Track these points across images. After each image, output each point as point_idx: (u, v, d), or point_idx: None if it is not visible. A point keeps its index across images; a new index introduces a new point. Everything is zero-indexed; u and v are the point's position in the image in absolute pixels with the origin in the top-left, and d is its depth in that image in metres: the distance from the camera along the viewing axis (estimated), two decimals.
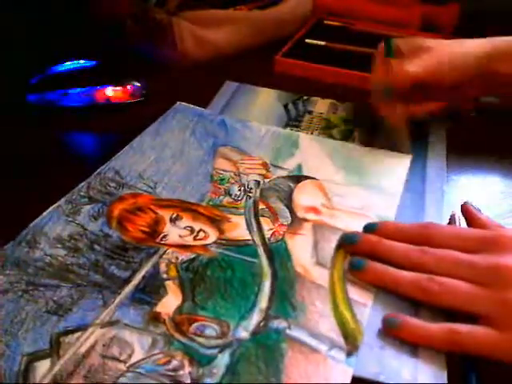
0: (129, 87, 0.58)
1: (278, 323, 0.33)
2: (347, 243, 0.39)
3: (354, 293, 0.35)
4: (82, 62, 0.59)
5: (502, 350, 0.31)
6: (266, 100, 0.59)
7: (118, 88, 0.57)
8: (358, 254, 0.38)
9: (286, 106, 0.57)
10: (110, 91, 0.57)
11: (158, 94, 0.59)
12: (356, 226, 0.41)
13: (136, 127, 0.53)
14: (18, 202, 0.44)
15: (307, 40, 0.71)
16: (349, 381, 0.30)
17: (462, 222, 0.41)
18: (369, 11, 0.77)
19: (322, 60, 0.65)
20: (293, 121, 0.55)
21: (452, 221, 0.41)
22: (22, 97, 0.56)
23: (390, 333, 0.33)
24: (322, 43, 0.70)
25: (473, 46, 0.48)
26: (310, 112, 0.56)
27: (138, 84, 0.58)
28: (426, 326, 0.33)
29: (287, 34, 0.71)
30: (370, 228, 0.39)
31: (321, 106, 0.58)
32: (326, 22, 0.77)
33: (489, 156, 0.51)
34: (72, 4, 0.61)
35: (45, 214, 0.41)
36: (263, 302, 0.35)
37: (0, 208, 0.43)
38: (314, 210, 0.43)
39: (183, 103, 0.56)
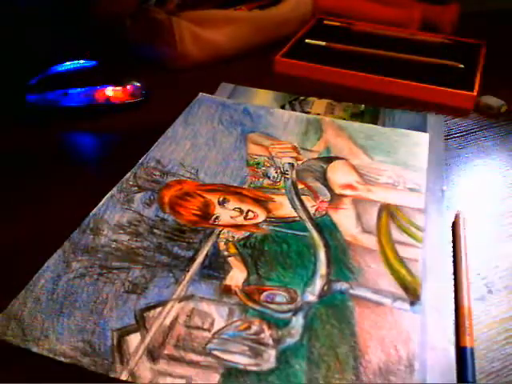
0: (129, 87, 0.59)
1: (341, 285, 0.36)
2: None
3: (404, 252, 0.39)
4: (82, 62, 0.59)
5: None
6: (262, 101, 0.60)
7: (117, 88, 0.58)
8: None
9: (282, 107, 0.58)
10: (109, 91, 0.58)
11: (158, 93, 0.60)
12: (393, 198, 0.44)
13: (136, 127, 0.55)
14: (17, 202, 0.46)
15: (307, 40, 0.72)
16: (418, 326, 0.33)
17: (466, 222, 0.43)
18: (369, 11, 0.79)
19: (322, 60, 0.66)
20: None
21: (457, 219, 0.43)
22: (21, 97, 0.57)
23: None
24: (322, 43, 0.71)
25: None
26: (308, 113, 0.58)
27: (138, 84, 0.60)
28: None
29: (287, 34, 0.72)
30: None
31: (318, 106, 0.59)
32: (325, 22, 0.78)
33: (489, 155, 0.52)
34: (72, 4, 0.62)
35: (101, 203, 0.43)
36: (322, 268, 0.38)
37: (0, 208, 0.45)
38: (350, 186, 0.46)
39: (205, 94, 0.59)
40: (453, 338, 0.34)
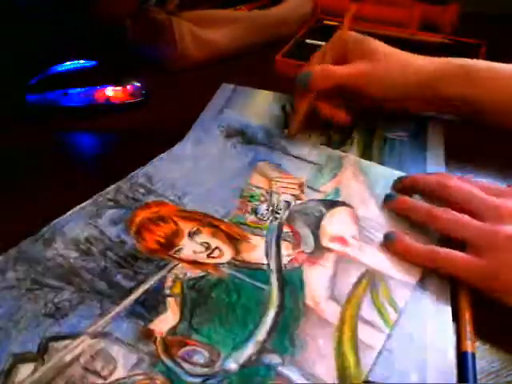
0: (129, 87, 0.58)
1: (271, 358, 0.31)
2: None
3: (365, 333, 0.32)
4: (81, 62, 0.59)
5: (470, 272, 0.35)
6: (263, 101, 0.57)
7: (117, 88, 0.57)
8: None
9: (283, 108, 0.56)
10: (109, 91, 0.57)
11: (158, 93, 0.59)
12: (384, 265, 0.37)
13: (136, 127, 0.54)
14: (17, 202, 0.45)
15: (307, 40, 0.70)
16: None
17: None
18: (369, 11, 0.76)
19: None
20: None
21: None
22: (21, 97, 0.57)
23: (387, 246, 0.39)
24: (322, 43, 0.66)
25: (416, 65, 0.49)
26: None
27: (138, 84, 0.58)
28: (415, 244, 0.38)
29: (287, 34, 0.70)
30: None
31: None
32: (325, 22, 0.76)
33: (488, 157, 0.50)
34: (72, 4, 0.62)
35: (68, 213, 0.41)
36: (262, 333, 0.32)
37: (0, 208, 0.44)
38: (342, 240, 0.40)
39: (229, 110, 0.55)
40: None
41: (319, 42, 0.68)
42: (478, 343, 0.33)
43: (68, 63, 0.59)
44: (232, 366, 0.30)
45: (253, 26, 0.68)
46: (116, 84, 0.58)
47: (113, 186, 0.44)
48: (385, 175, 0.46)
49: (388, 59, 0.50)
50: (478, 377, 0.31)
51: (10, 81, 0.58)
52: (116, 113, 0.57)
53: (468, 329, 0.33)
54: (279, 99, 0.57)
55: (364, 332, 0.32)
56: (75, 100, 0.56)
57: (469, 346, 0.32)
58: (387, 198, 0.43)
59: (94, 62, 0.59)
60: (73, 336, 0.32)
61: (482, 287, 0.35)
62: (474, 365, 0.31)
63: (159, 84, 0.61)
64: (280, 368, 0.30)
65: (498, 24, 0.73)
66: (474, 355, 0.32)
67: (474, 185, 0.41)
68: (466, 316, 0.34)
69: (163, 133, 0.53)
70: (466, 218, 0.38)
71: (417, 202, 0.42)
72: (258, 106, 0.56)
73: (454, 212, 0.38)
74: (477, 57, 0.65)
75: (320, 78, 0.49)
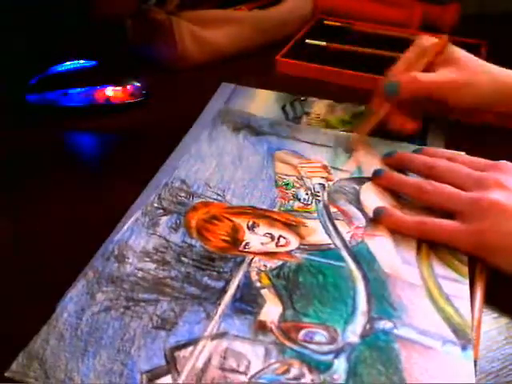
0: (129, 87, 0.58)
1: (384, 324, 0.34)
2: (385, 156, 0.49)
3: (449, 287, 0.36)
4: (81, 62, 0.58)
5: (457, 238, 0.38)
6: (263, 101, 0.58)
7: (117, 88, 0.57)
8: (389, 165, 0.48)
9: (283, 108, 0.57)
10: (109, 91, 0.57)
11: (158, 94, 0.59)
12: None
13: (136, 127, 0.55)
14: (17, 202, 0.45)
15: (307, 40, 0.71)
16: (473, 375, 0.31)
17: None
18: (369, 11, 0.78)
19: (322, 60, 0.65)
20: (291, 122, 0.55)
21: None
22: (21, 97, 0.56)
23: (376, 220, 0.42)
24: (323, 43, 0.70)
25: (502, 77, 0.49)
26: (308, 113, 0.56)
27: (138, 84, 0.59)
28: (403, 217, 0.41)
29: (287, 34, 0.71)
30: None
31: (318, 106, 0.57)
32: (326, 22, 0.77)
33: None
34: (72, 4, 0.61)
35: (125, 228, 0.41)
36: (363, 304, 0.35)
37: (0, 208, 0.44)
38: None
39: (228, 106, 0.56)
40: None
41: (319, 42, 0.70)
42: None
43: (68, 63, 0.57)
44: (352, 338, 0.33)
45: (253, 26, 0.68)
46: (116, 84, 0.57)
47: (153, 195, 0.44)
48: (393, 148, 0.51)
49: (474, 69, 0.49)
50: (479, 377, 0.32)
51: (10, 81, 0.57)
52: (116, 113, 0.56)
53: (473, 335, 0.34)
54: (279, 99, 0.58)
55: (447, 286, 0.37)
56: (75, 100, 0.56)
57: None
58: (375, 174, 0.46)
59: (93, 62, 0.58)
60: (193, 342, 0.33)
61: (469, 251, 0.38)
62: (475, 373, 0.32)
63: (159, 84, 0.60)
64: (396, 331, 0.34)
65: (499, 24, 0.75)
66: (475, 363, 0.32)
67: (460, 161, 0.44)
68: (474, 322, 0.35)
69: (163, 133, 0.54)
70: (453, 189, 0.41)
71: (404, 176, 0.45)
72: (258, 106, 0.57)
73: (440, 184, 0.41)
74: (477, 56, 0.65)
75: (409, 87, 0.49)
